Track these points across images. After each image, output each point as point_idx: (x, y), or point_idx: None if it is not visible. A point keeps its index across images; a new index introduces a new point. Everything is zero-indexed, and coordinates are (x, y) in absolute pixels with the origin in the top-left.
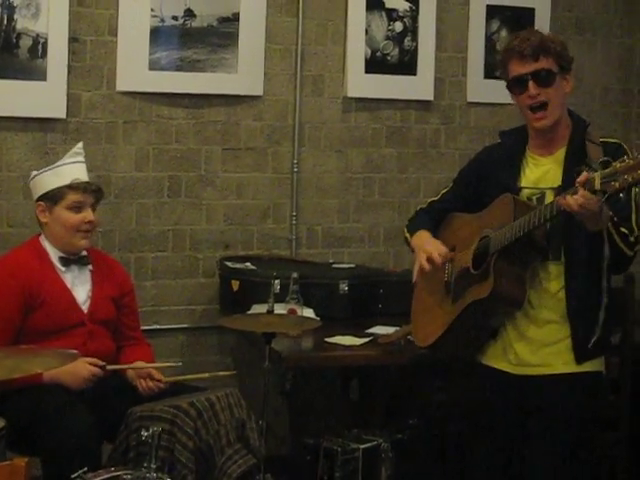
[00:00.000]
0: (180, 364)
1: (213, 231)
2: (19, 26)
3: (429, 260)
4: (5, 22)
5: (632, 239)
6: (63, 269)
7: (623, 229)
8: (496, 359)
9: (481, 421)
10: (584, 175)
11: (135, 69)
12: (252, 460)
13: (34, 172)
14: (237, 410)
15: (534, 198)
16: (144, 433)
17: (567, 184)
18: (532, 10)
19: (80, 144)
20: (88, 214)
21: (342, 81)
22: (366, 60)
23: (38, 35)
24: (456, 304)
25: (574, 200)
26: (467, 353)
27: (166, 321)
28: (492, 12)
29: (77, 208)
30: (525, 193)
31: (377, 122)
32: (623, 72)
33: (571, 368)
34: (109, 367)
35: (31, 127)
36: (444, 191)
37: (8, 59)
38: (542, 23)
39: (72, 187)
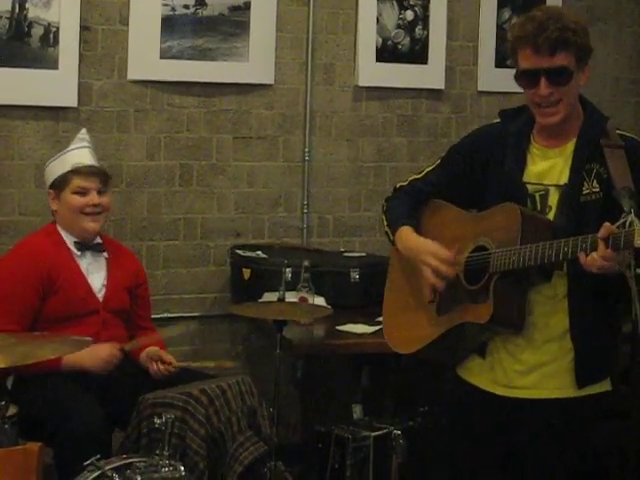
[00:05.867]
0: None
1: (224, 220)
2: (31, 15)
3: (437, 274)
4: (17, 11)
5: None
6: (78, 254)
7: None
8: (480, 377)
9: (461, 441)
10: (607, 228)
11: (146, 58)
12: (263, 447)
13: (47, 162)
14: (248, 397)
15: (537, 195)
16: (157, 420)
17: (574, 183)
18: None
19: (83, 130)
20: (93, 197)
21: (353, 70)
22: (377, 49)
23: (49, 24)
24: (443, 317)
25: (592, 261)
26: (447, 361)
27: (177, 309)
28: (504, 1)
29: (82, 192)
30: (529, 189)
31: (388, 111)
32: (635, 61)
33: (567, 393)
34: (127, 347)
35: (42, 116)
36: (429, 169)
37: (20, 48)
38: None
39: (74, 171)
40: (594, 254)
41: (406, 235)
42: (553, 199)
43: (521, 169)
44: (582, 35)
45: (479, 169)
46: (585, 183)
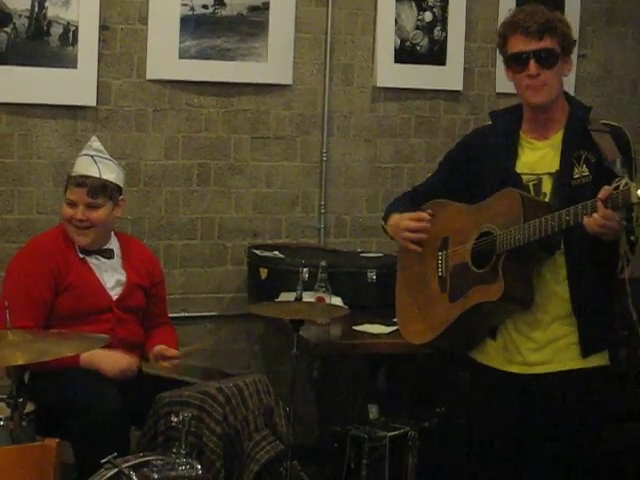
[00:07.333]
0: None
1: (242, 219)
2: (50, 14)
3: (414, 238)
4: (36, 10)
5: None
6: (81, 256)
7: (632, 237)
8: (495, 358)
9: (480, 423)
10: (605, 190)
11: (165, 57)
12: (280, 446)
13: None
14: (265, 397)
15: (530, 184)
16: (174, 419)
17: (565, 170)
18: (562, 0)
19: (93, 137)
20: (77, 211)
21: (371, 71)
22: (395, 50)
23: (69, 23)
24: (456, 303)
25: (593, 221)
26: (462, 348)
27: (194, 309)
28: (522, 2)
29: (71, 204)
30: (523, 179)
31: (406, 112)
32: None
33: (578, 364)
34: (146, 369)
35: (61, 114)
36: (428, 176)
37: (39, 47)
38: (572, 13)
39: (69, 179)
40: (595, 215)
41: (392, 218)
42: (547, 186)
43: (513, 161)
44: (567, 26)
45: (473, 166)
46: (575, 168)
